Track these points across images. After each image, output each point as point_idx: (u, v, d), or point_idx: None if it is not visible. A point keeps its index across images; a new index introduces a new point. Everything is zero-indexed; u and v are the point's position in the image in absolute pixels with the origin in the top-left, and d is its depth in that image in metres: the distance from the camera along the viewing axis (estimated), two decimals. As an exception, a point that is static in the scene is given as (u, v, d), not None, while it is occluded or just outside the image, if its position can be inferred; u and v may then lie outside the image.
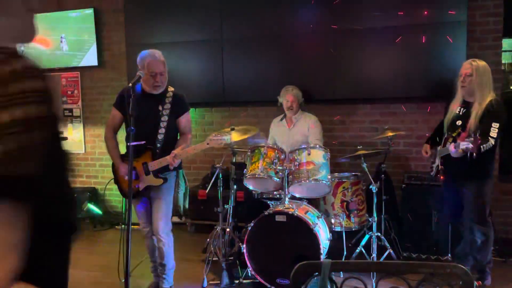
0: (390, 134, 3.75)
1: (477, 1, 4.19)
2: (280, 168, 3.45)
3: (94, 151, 5.76)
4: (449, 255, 3.79)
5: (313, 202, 3.75)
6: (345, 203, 3.71)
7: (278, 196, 3.63)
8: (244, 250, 3.34)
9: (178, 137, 3.26)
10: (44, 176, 0.60)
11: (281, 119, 4.29)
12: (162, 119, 3.12)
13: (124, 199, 3.32)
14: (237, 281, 3.49)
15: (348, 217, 3.71)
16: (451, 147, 3.06)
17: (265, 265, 3.32)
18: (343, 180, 3.74)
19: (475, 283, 3.30)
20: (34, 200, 0.59)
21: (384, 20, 4.25)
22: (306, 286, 1.13)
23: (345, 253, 3.60)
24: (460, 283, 1.09)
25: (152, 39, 4.95)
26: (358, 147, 3.84)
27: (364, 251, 3.63)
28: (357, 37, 4.35)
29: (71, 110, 5.79)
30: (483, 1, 4.19)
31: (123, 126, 3.27)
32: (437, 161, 3.41)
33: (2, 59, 0.62)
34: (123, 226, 3.60)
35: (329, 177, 3.51)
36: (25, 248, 0.61)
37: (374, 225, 3.61)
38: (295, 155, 3.52)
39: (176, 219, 4.64)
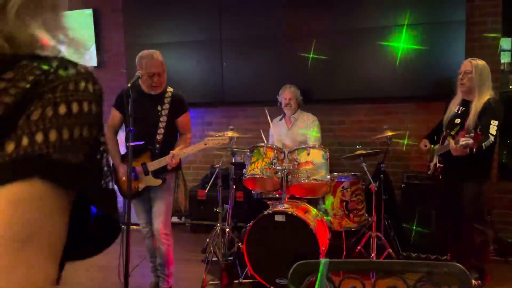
0: (389, 133, 3.75)
1: (476, 1, 4.19)
2: (279, 168, 3.46)
3: (93, 151, 5.75)
4: (448, 254, 3.79)
5: (313, 202, 3.76)
6: (344, 203, 3.71)
7: (277, 196, 3.64)
8: (244, 250, 3.35)
9: (178, 137, 3.27)
10: (91, 168, 0.63)
11: (280, 119, 4.30)
12: (161, 119, 3.12)
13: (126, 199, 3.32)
14: (236, 281, 3.49)
15: (348, 216, 3.71)
16: (451, 144, 3.06)
17: (264, 265, 3.33)
18: (343, 180, 3.74)
19: (474, 282, 3.32)
20: (82, 189, 0.62)
21: (384, 19, 4.26)
22: (304, 285, 1.14)
23: (344, 253, 3.61)
24: (458, 282, 1.09)
25: (151, 39, 4.95)
26: (357, 147, 3.84)
27: (363, 251, 3.64)
28: (357, 37, 4.35)
29: (70, 111, 5.79)
30: (481, 1, 4.19)
31: (123, 126, 3.27)
32: (435, 160, 3.42)
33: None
34: (122, 226, 3.60)
35: (328, 177, 3.52)
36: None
37: (374, 224, 3.61)
38: (294, 155, 3.52)
39: (175, 219, 4.65)
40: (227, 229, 3.71)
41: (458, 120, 3.29)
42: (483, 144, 2.90)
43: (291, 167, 3.45)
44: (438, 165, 3.39)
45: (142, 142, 2.95)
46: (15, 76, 0.59)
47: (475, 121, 3.10)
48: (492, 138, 3.00)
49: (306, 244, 3.21)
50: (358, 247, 3.66)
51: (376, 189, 3.59)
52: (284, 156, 3.61)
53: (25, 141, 0.57)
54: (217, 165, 3.68)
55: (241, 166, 3.75)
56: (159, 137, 3.11)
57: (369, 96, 4.49)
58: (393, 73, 4.29)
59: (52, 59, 0.63)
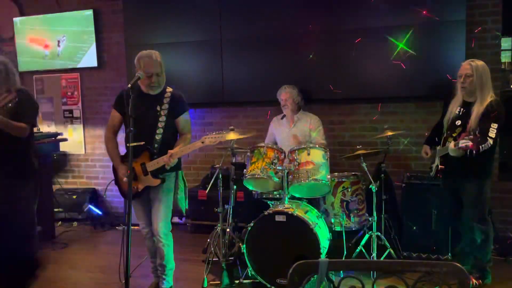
0: (390, 133, 3.75)
1: (476, 0, 4.19)
2: (280, 168, 3.45)
3: (94, 152, 5.77)
4: (449, 254, 3.79)
5: (313, 202, 3.75)
6: (345, 203, 3.71)
7: (278, 196, 3.63)
8: (244, 250, 3.35)
9: (178, 138, 3.26)
10: None
11: (282, 118, 4.30)
12: (160, 119, 3.12)
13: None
14: (237, 281, 3.49)
15: (348, 216, 3.71)
16: (450, 146, 3.06)
17: (265, 265, 3.33)
18: (343, 179, 3.74)
19: (475, 281, 3.32)
20: None
21: (384, 19, 4.25)
22: (303, 285, 1.14)
23: (345, 252, 3.61)
24: (457, 281, 1.09)
25: (152, 39, 4.95)
26: (358, 146, 3.84)
27: (364, 251, 3.63)
28: (357, 37, 4.35)
29: (71, 111, 5.80)
30: (481, 0, 4.19)
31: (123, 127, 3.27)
32: (437, 161, 3.41)
33: None
34: (123, 227, 3.60)
35: (329, 177, 3.52)
36: None
37: (374, 224, 3.61)
38: (295, 155, 3.52)
39: (176, 219, 4.65)
40: (228, 229, 3.70)
41: (458, 122, 3.28)
42: (480, 146, 2.90)
43: (292, 167, 3.45)
44: (440, 166, 3.38)
45: (142, 143, 2.95)
46: None
47: (476, 124, 3.10)
48: (490, 141, 2.99)
49: (306, 244, 3.21)
50: (359, 247, 3.66)
51: (376, 189, 3.59)
52: (285, 156, 3.61)
53: None
54: (217, 165, 3.68)
55: (241, 166, 3.75)
56: (158, 137, 3.11)
57: (369, 96, 4.49)
58: (394, 72, 4.28)
59: None
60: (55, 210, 5.20)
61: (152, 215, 3.21)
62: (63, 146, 5.35)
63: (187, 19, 4.91)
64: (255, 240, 3.34)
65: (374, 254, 3.55)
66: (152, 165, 3.08)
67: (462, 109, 3.31)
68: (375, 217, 3.62)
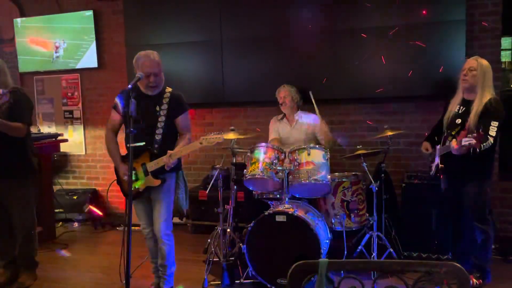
0: (390, 133, 3.75)
1: (476, 0, 4.19)
2: (280, 168, 3.46)
3: (94, 152, 5.77)
4: (450, 254, 3.79)
5: (313, 202, 3.75)
6: (345, 203, 3.71)
7: (278, 196, 3.64)
8: (245, 251, 3.35)
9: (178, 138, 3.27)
10: None
11: (281, 118, 4.30)
12: (160, 119, 3.12)
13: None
14: (237, 282, 3.49)
15: (349, 216, 3.71)
16: (452, 144, 3.05)
17: (265, 266, 3.33)
18: (343, 179, 3.74)
19: (476, 281, 3.32)
20: None
21: (384, 19, 4.25)
22: (303, 285, 1.14)
23: (345, 252, 3.61)
24: (457, 281, 1.10)
25: (152, 40, 4.96)
26: (358, 146, 3.84)
27: (364, 251, 3.64)
28: (357, 37, 4.35)
29: (71, 112, 5.81)
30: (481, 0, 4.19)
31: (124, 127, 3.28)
32: (437, 160, 3.41)
33: None
34: (124, 227, 3.61)
35: (329, 177, 3.52)
36: None
37: (375, 224, 3.61)
38: (295, 155, 3.52)
39: (176, 220, 4.66)
40: (228, 230, 3.71)
41: (458, 120, 3.28)
42: (482, 145, 2.90)
43: (292, 167, 3.45)
44: (440, 165, 3.38)
45: (143, 143, 2.96)
46: None
47: (475, 121, 3.10)
48: (491, 139, 2.99)
49: (307, 244, 3.21)
50: (359, 247, 3.66)
51: (376, 188, 3.59)
52: (285, 156, 3.61)
53: None
54: (218, 166, 3.68)
55: (241, 166, 3.75)
56: (158, 138, 3.12)
57: (369, 96, 4.49)
58: (393, 72, 4.28)
59: None
60: (56, 210, 5.20)
61: (153, 215, 3.21)
62: (63, 147, 5.36)
63: (187, 20, 4.91)
64: (256, 240, 3.34)
65: (375, 254, 3.56)
66: (152, 165, 3.08)
67: (462, 107, 3.31)
68: (376, 217, 3.62)
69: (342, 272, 1.31)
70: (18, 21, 5.79)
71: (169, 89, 3.22)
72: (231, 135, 3.53)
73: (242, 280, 3.49)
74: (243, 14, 4.74)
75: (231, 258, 3.62)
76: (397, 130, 3.81)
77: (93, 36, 5.45)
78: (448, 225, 3.74)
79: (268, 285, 3.31)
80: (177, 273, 3.39)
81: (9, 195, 3.48)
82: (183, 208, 3.36)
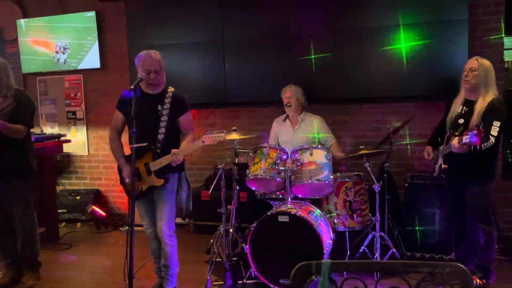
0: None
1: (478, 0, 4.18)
2: (283, 168, 3.46)
3: (97, 153, 5.78)
4: (453, 254, 3.78)
5: (316, 202, 3.75)
6: (348, 203, 3.70)
7: (280, 196, 3.63)
8: (247, 251, 3.35)
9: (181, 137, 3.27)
10: None
11: (284, 119, 4.29)
12: (162, 119, 3.13)
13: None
14: (240, 282, 3.49)
15: (351, 217, 3.70)
16: (453, 143, 3.04)
17: (268, 266, 3.33)
18: (346, 180, 3.73)
19: (479, 281, 3.31)
20: None
21: (385, 19, 4.25)
22: (306, 286, 1.14)
23: (348, 253, 3.60)
24: (460, 281, 1.09)
25: (154, 41, 4.96)
26: (361, 146, 3.83)
27: (367, 251, 3.63)
28: (359, 37, 4.34)
29: (74, 113, 5.82)
30: (484, -1, 4.18)
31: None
32: (440, 161, 3.40)
33: None
34: (127, 227, 3.61)
35: (332, 177, 3.51)
36: None
37: (377, 224, 3.61)
38: (298, 156, 3.52)
39: (179, 220, 4.66)
40: (231, 230, 3.71)
41: (461, 120, 3.27)
42: (483, 144, 2.89)
43: (294, 168, 3.45)
44: (443, 166, 3.37)
45: (146, 144, 2.97)
46: None
47: (478, 121, 3.09)
48: (492, 139, 2.98)
49: (309, 245, 3.21)
50: (362, 247, 3.65)
51: (379, 189, 3.58)
52: (287, 156, 3.61)
53: None
54: (220, 166, 3.68)
55: (244, 166, 3.75)
56: (160, 137, 3.12)
57: (372, 96, 4.48)
58: (396, 72, 4.27)
59: None
60: (59, 211, 5.21)
61: (156, 215, 3.22)
62: (66, 147, 5.37)
63: (189, 21, 4.91)
64: (258, 241, 3.34)
65: (378, 254, 3.55)
66: (155, 165, 3.09)
67: (464, 107, 3.30)
68: (378, 217, 3.61)
69: (345, 272, 1.31)
70: (21, 22, 5.80)
71: (171, 89, 3.23)
72: (233, 135, 3.53)
73: (245, 281, 3.49)
74: (245, 14, 4.74)
75: (233, 259, 3.62)
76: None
77: (96, 36, 5.47)
78: (451, 225, 3.74)
79: (271, 286, 3.30)
80: (179, 274, 3.39)
81: (9, 196, 3.49)
82: (186, 209, 3.36)
